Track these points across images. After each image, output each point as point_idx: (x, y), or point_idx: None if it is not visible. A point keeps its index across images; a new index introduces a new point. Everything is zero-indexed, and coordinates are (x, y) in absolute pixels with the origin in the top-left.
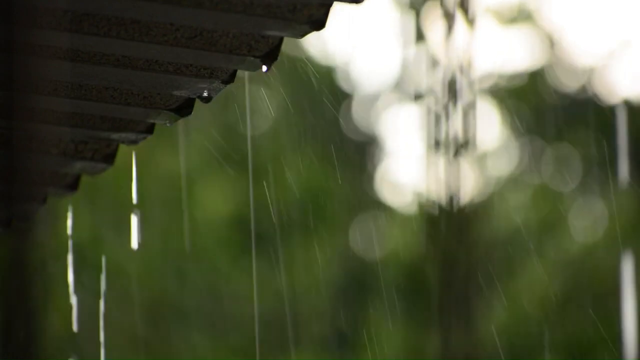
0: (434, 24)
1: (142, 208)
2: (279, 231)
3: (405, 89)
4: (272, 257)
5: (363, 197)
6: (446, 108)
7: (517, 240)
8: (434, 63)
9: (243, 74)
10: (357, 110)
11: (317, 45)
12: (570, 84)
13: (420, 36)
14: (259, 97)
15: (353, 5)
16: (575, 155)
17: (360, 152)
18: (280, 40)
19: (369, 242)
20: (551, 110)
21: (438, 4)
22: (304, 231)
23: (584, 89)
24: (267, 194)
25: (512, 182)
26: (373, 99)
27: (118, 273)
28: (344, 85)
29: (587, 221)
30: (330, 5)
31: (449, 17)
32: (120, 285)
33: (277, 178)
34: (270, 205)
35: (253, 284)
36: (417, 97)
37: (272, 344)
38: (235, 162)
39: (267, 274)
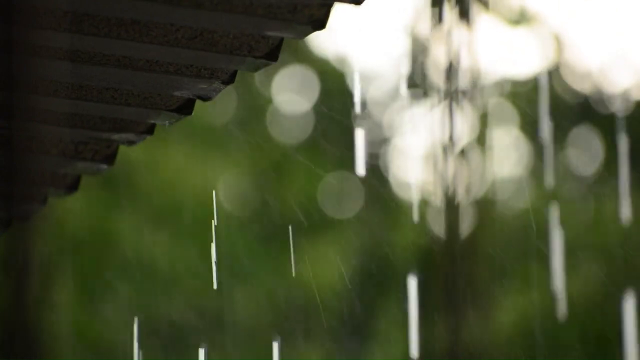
0: (442, 26)
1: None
2: (294, 227)
3: (414, 90)
4: (288, 251)
5: (374, 194)
6: (453, 108)
7: (522, 240)
8: (441, 64)
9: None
10: (367, 110)
11: (325, 46)
12: (579, 86)
13: (428, 37)
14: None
15: (353, 6)
16: (583, 157)
17: (371, 150)
18: (281, 40)
19: (380, 237)
20: (560, 112)
21: (443, 5)
22: (317, 227)
23: (593, 90)
24: (283, 190)
25: (519, 182)
26: (382, 99)
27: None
28: (353, 86)
29: (595, 222)
30: (331, 5)
31: (456, 19)
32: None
33: (293, 176)
34: (284, 202)
35: (270, 275)
36: (426, 97)
37: (285, 334)
38: (253, 160)
39: (284, 266)
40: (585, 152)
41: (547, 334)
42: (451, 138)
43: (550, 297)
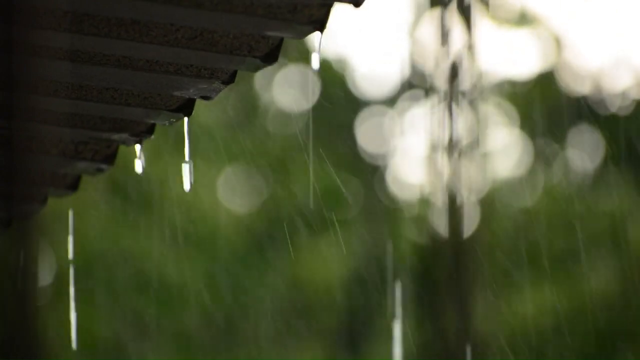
0: (442, 27)
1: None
2: (294, 226)
3: (415, 90)
4: (288, 251)
5: (375, 195)
6: (452, 109)
7: (521, 241)
8: (441, 65)
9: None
10: (368, 111)
11: (327, 48)
12: (579, 86)
13: (429, 38)
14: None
15: (353, 7)
16: (582, 157)
17: (371, 152)
18: (281, 40)
19: (380, 237)
20: (559, 112)
21: (444, 7)
22: (316, 227)
23: (593, 91)
24: (283, 190)
25: (518, 182)
26: (383, 100)
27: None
28: (354, 87)
29: (595, 222)
30: (331, 5)
31: (456, 20)
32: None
33: (294, 177)
34: (284, 202)
35: (268, 277)
36: (427, 98)
37: (283, 336)
38: (253, 160)
39: (282, 268)
40: (585, 151)
41: (549, 331)
42: (451, 138)
43: (552, 295)
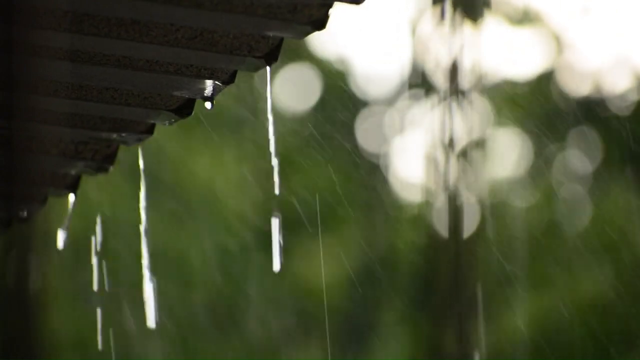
0: (443, 26)
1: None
2: (294, 226)
3: (416, 89)
4: (286, 252)
5: (375, 194)
6: (454, 108)
7: (523, 240)
8: (442, 63)
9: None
10: (368, 110)
11: (326, 46)
12: (580, 86)
13: (430, 37)
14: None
15: (353, 6)
16: (582, 159)
17: (371, 151)
18: (281, 40)
19: (380, 237)
20: (560, 112)
21: (444, 5)
22: (317, 227)
23: (593, 91)
24: (283, 190)
25: (518, 184)
26: (383, 99)
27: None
28: (355, 86)
29: (594, 222)
30: (331, 5)
31: (456, 19)
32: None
33: (293, 176)
34: (284, 202)
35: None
36: (427, 97)
37: (283, 339)
38: (253, 159)
39: (283, 266)
40: (585, 152)
41: (550, 333)
42: (452, 138)
43: (554, 297)
